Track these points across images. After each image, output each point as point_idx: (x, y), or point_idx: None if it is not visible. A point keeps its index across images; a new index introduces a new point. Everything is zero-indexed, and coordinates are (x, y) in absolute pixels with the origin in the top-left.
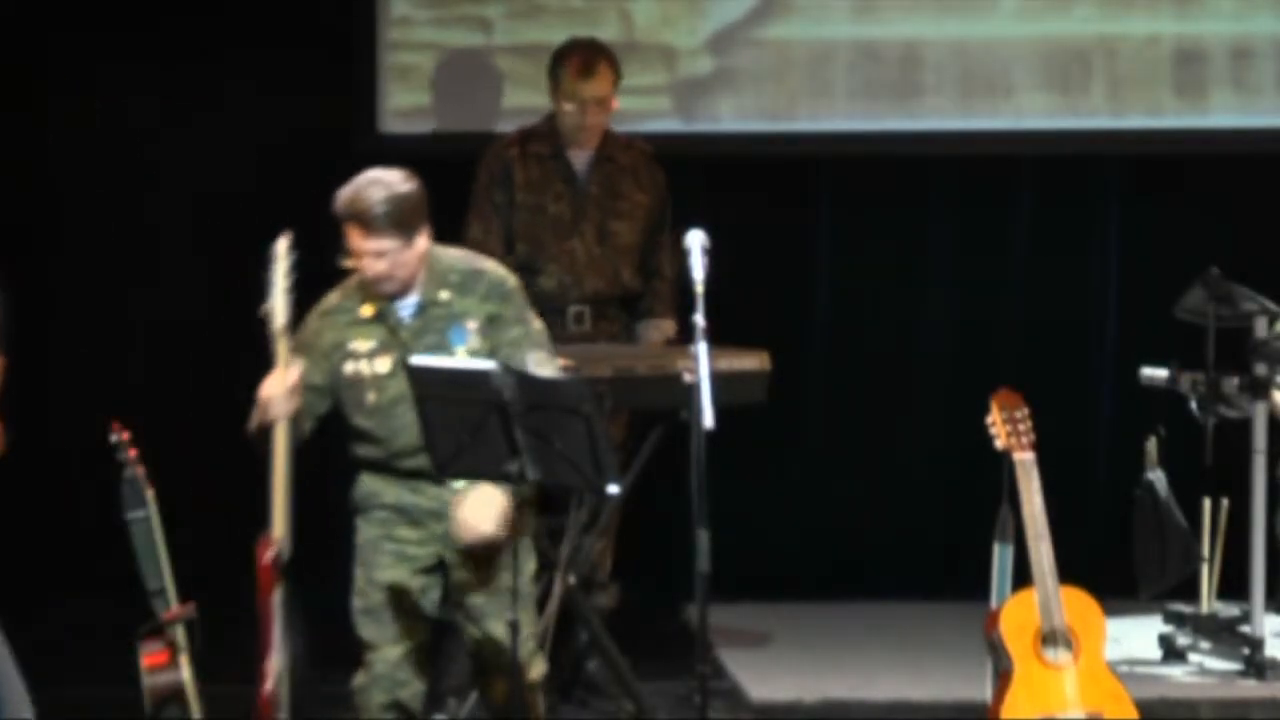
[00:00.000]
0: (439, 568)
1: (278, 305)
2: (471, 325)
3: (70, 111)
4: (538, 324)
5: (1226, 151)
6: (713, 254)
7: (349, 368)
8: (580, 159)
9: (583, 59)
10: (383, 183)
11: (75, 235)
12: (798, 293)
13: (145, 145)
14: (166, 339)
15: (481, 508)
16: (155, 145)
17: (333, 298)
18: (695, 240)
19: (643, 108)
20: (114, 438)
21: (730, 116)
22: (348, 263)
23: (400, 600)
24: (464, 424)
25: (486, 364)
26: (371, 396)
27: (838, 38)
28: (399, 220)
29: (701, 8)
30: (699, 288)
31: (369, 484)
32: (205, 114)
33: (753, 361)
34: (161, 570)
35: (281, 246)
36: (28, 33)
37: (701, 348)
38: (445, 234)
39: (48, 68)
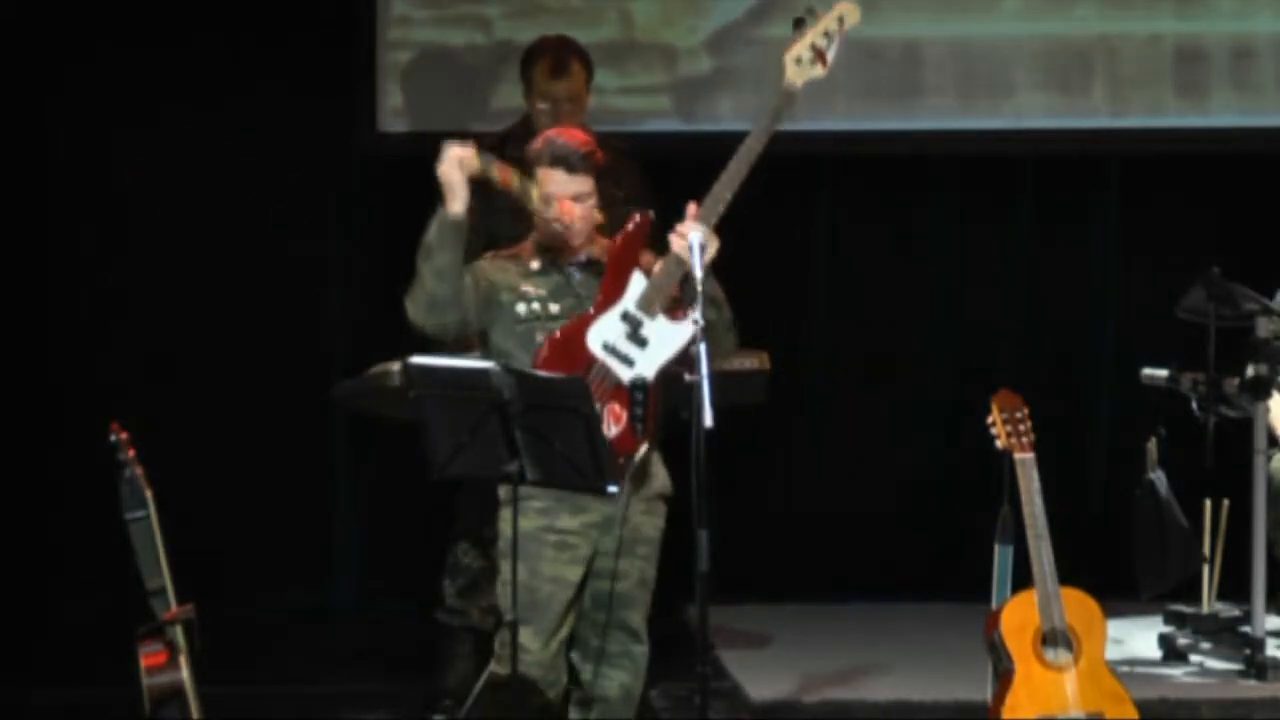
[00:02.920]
0: (591, 558)
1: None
2: None
3: (71, 112)
4: None
5: (1226, 151)
6: None
7: (521, 308)
8: None
9: (554, 58)
10: (571, 132)
11: (75, 235)
12: (797, 293)
13: (146, 145)
14: (167, 339)
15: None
16: (156, 145)
17: (501, 251)
18: (695, 240)
19: (643, 108)
20: (114, 438)
21: (730, 116)
22: (546, 213)
23: (562, 594)
24: (464, 423)
25: (486, 364)
26: (541, 336)
27: None
28: (593, 165)
29: (701, 7)
30: (699, 287)
31: None
32: (205, 113)
33: (753, 361)
34: (161, 570)
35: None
36: (28, 32)
37: (702, 348)
38: None
39: (48, 68)
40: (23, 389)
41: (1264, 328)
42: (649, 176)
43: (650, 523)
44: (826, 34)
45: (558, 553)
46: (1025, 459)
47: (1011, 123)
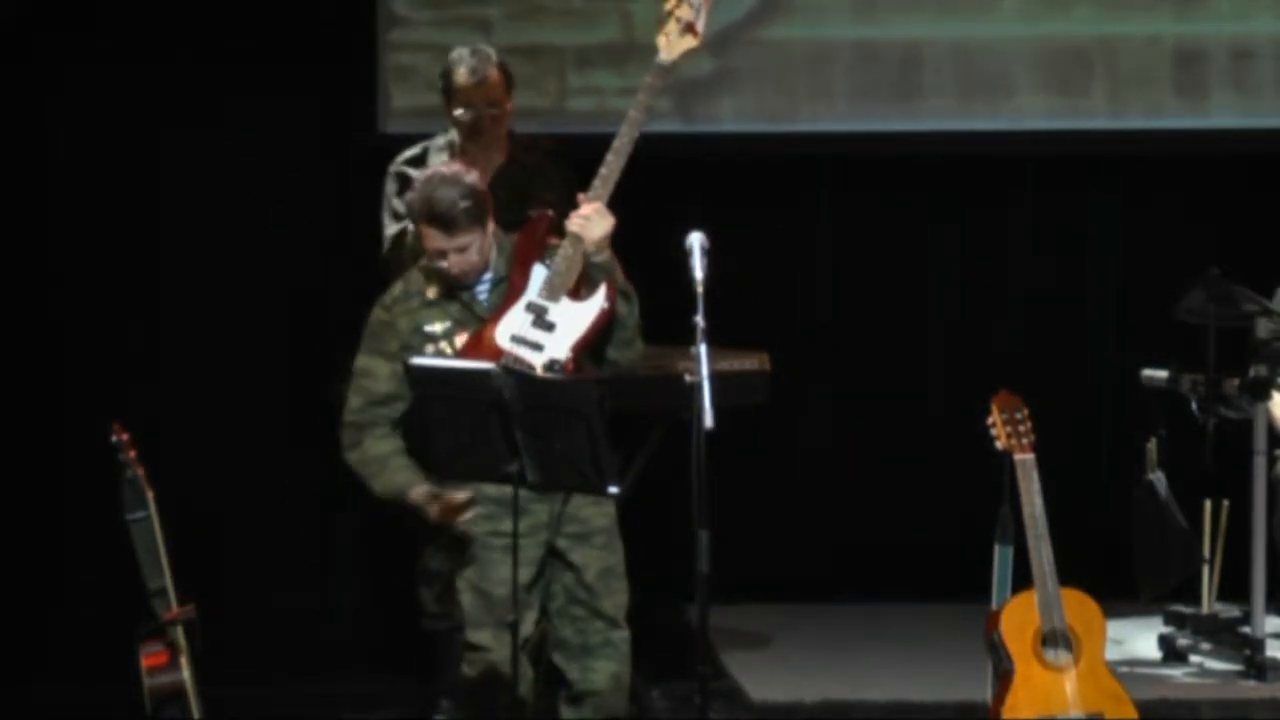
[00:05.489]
0: (546, 555)
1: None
2: None
3: (71, 112)
4: None
5: (1226, 151)
6: (713, 254)
7: (430, 349)
8: (484, 165)
9: (470, 65)
10: (451, 180)
11: (76, 236)
12: (798, 293)
13: (146, 146)
14: (168, 339)
15: (600, 220)
16: (156, 146)
17: (395, 289)
18: (695, 240)
19: None
20: (115, 438)
21: (730, 117)
22: (433, 264)
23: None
24: (464, 424)
25: (487, 364)
26: None
27: (838, 38)
28: (478, 214)
29: None
30: (699, 288)
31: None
32: (206, 114)
33: (753, 362)
34: (162, 570)
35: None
36: (27, 34)
37: (702, 348)
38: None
39: (47, 68)
40: (24, 389)
41: (1264, 328)
42: (647, 178)
43: (599, 512)
44: (692, 6)
45: (505, 555)
46: (1025, 459)
47: (1011, 123)
